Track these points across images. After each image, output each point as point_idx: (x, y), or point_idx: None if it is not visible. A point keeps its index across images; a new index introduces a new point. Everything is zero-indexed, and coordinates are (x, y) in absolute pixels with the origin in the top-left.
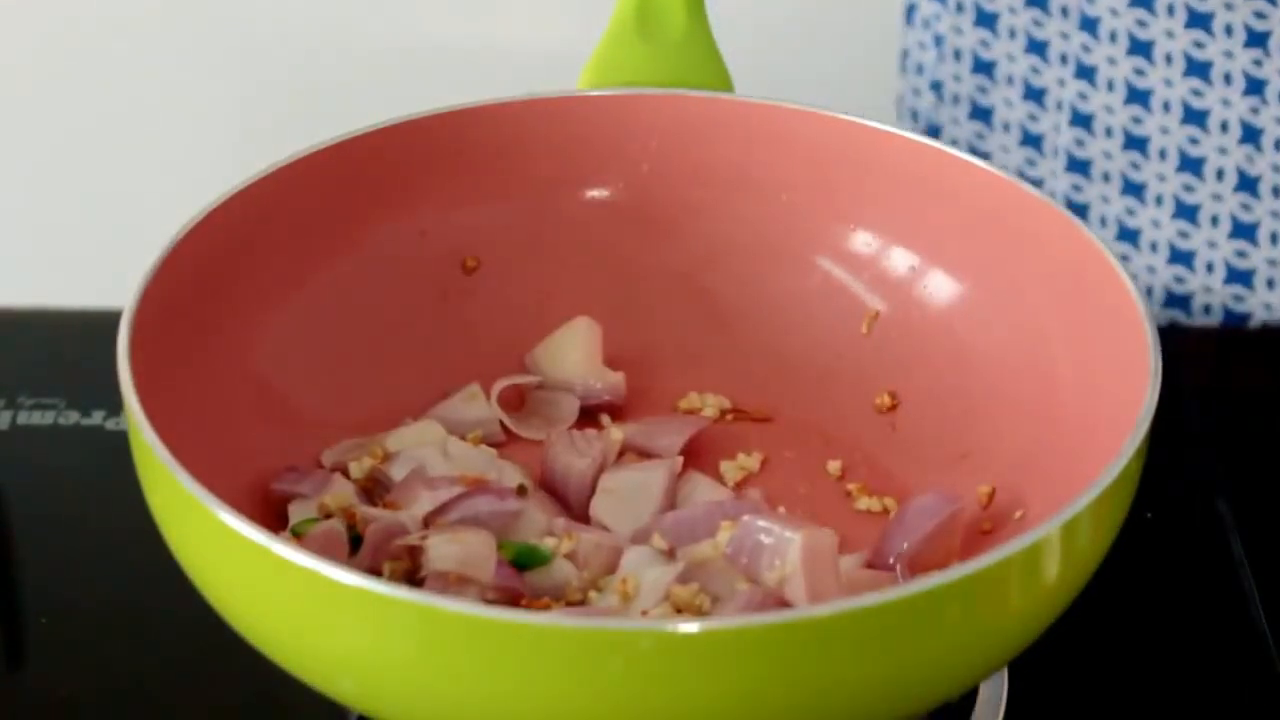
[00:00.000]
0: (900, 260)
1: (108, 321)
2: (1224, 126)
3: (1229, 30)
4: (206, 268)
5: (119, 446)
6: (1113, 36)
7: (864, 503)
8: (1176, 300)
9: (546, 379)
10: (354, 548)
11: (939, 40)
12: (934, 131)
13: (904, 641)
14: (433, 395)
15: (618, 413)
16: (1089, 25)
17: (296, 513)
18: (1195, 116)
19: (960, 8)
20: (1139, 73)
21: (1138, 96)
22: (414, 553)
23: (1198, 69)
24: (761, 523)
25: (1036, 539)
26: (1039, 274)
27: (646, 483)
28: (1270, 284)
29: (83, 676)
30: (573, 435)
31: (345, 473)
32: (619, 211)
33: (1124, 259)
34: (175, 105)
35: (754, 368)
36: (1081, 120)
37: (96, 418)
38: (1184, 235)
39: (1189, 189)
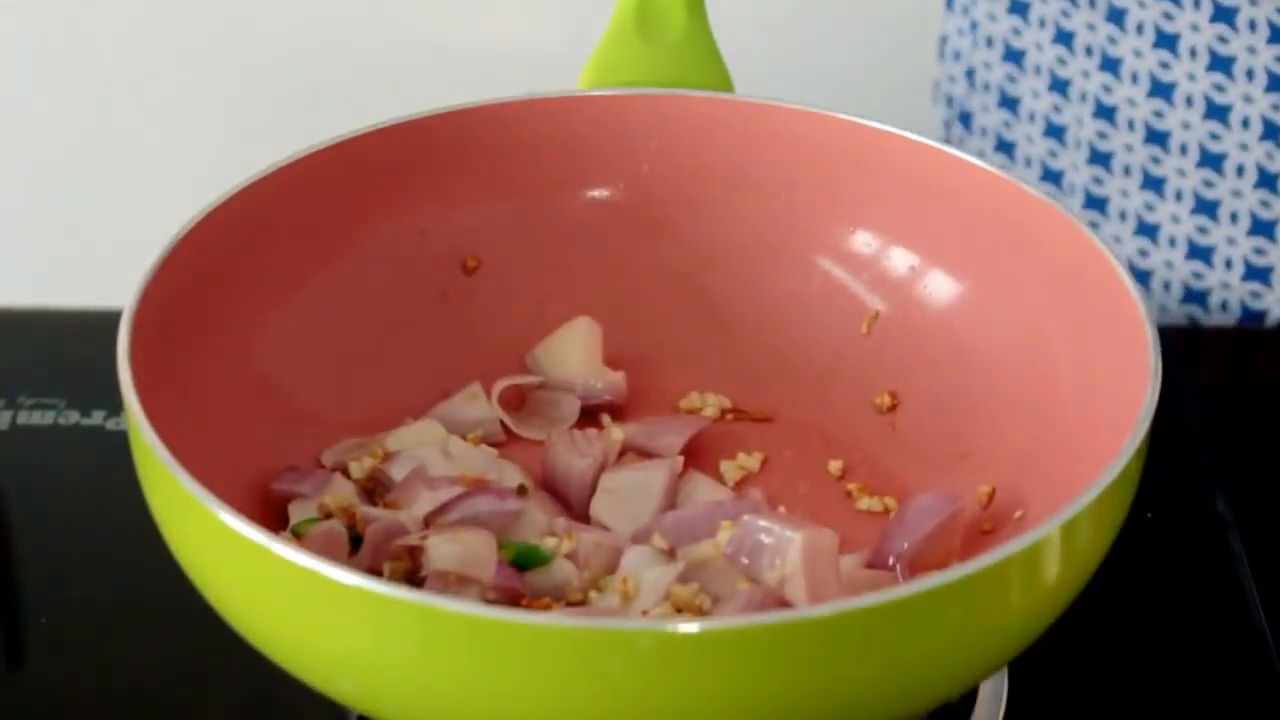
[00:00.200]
0: (900, 260)
1: (108, 321)
2: (1245, 122)
3: (1253, 26)
4: (206, 268)
5: (119, 446)
6: (1139, 28)
7: (864, 503)
8: (1194, 296)
9: (547, 379)
10: (354, 548)
11: (974, 26)
12: (965, 118)
13: (904, 641)
14: (433, 395)
15: (618, 412)
16: (1116, 16)
17: (297, 513)
18: (1217, 111)
19: None
20: (1164, 66)
21: (1161, 90)
22: (414, 553)
23: (1221, 64)
24: (762, 522)
25: (1036, 539)
26: (1039, 274)
27: (647, 482)
28: None
29: (83, 676)
30: (573, 435)
31: (346, 472)
32: (619, 211)
33: (1141, 254)
34: (175, 105)
35: (754, 368)
36: (1105, 112)
37: (96, 418)
38: (1203, 231)
39: (1209, 184)
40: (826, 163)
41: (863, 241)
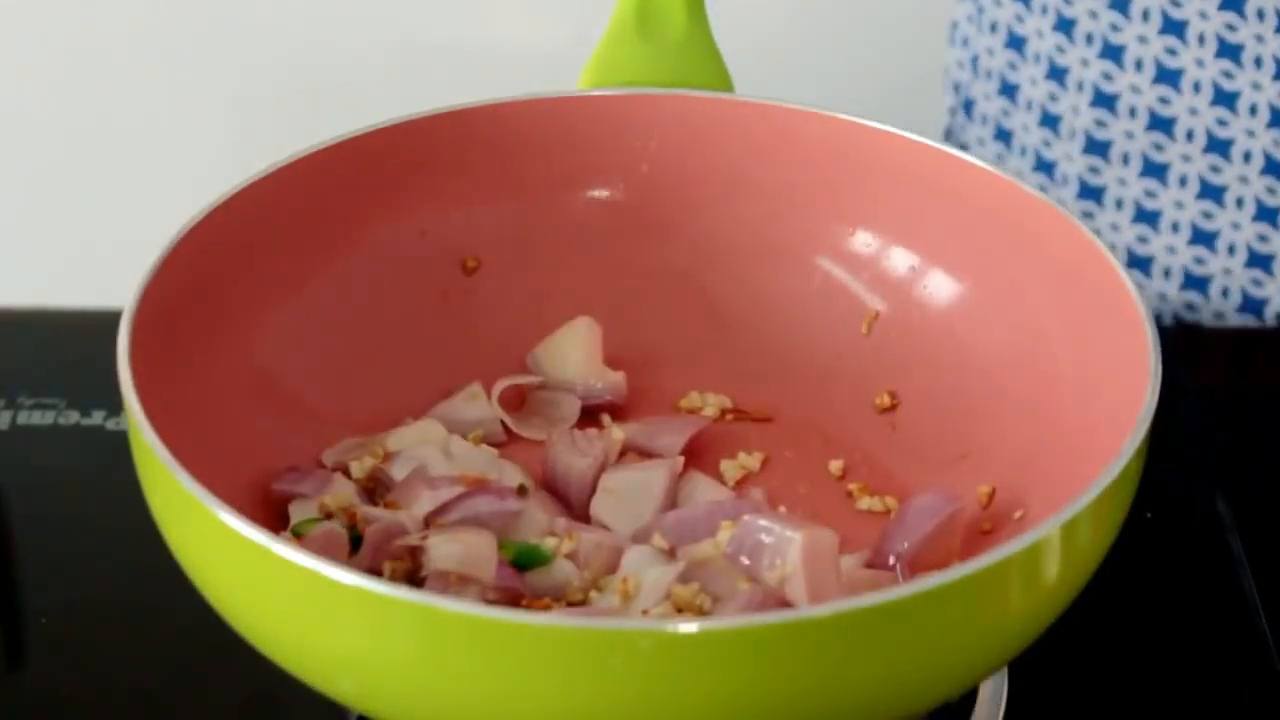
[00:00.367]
0: (900, 260)
1: (108, 321)
2: (1253, 109)
3: (1261, 14)
4: (206, 268)
5: (119, 446)
6: (1145, 15)
7: (865, 502)
8: (1195, 282)
9: (547, 379)
10: (355, 548)
11: (980, 11)
12: (969, 105)
13: (904, 641)
14: (433, 395)
15: (618, 412)
16: (1120, 4)
17: (297, 513)
18: (1225, 98)
19: None
20: (1170, 52)
21: (1167, 76)
22: (414, 553)
23: (1229, 51)
24: (762, 522)
25: (1036, 539)
26: (1039, 274)
27: (647, 482)
28: None
29: (83, 676)
30: (574, 435)
31: (346, 472)
32: (619, 211)
33: (1141, 240)
34: (175, 105)
35: (754, 368)
36: (1104, 100)
37: (96, 418)
38: (1208, 216)
39: (1215, 170)
40: (826, 163)
41: (863, 241)
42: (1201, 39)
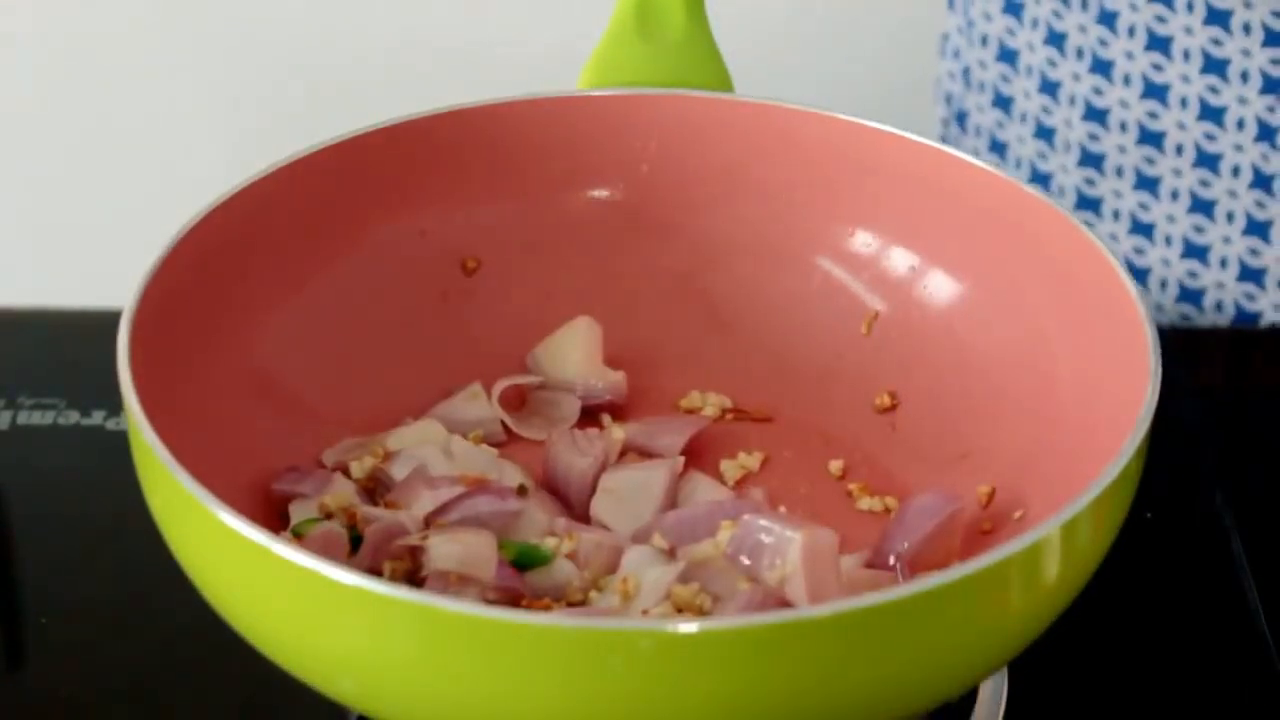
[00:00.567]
0: (900, 260)
1: (108, 321)
2: (1240, 124)
3: (1247, 28)
4: (206, 268)
5: (119, 446)
6: (1131, 31)
7: (865, 502)
8: (1189, 295)
9: (547, 379)
10: (355, 548)
11: (970, 24)
12: (961, 117)
13: (904, 641)
14: (434, 395)
15: (619, 412)
16: (1108, 19)
17: (297, 513)
18: (1212, 113)
19: None
20: (1156, 68)
21: (1154, 91)
22: (414, 553)
23: (1215, 66)
24: (762, 522)
25: (1036, 539)
26: (1039, 274)
27: (647, 482)
28: None
29: (83, 676)
30: (574, 434)
31: (346, 472)
32: (619, 211)
33: (1138, 251)
34: (175, 105)
35: (754, 368)
36: (1095, 115)
37: (96, 418)
38: (1199, 230)
39: (1205, 184)
40: (826, 163)
41: (863, 241)
42: (1187, 54)
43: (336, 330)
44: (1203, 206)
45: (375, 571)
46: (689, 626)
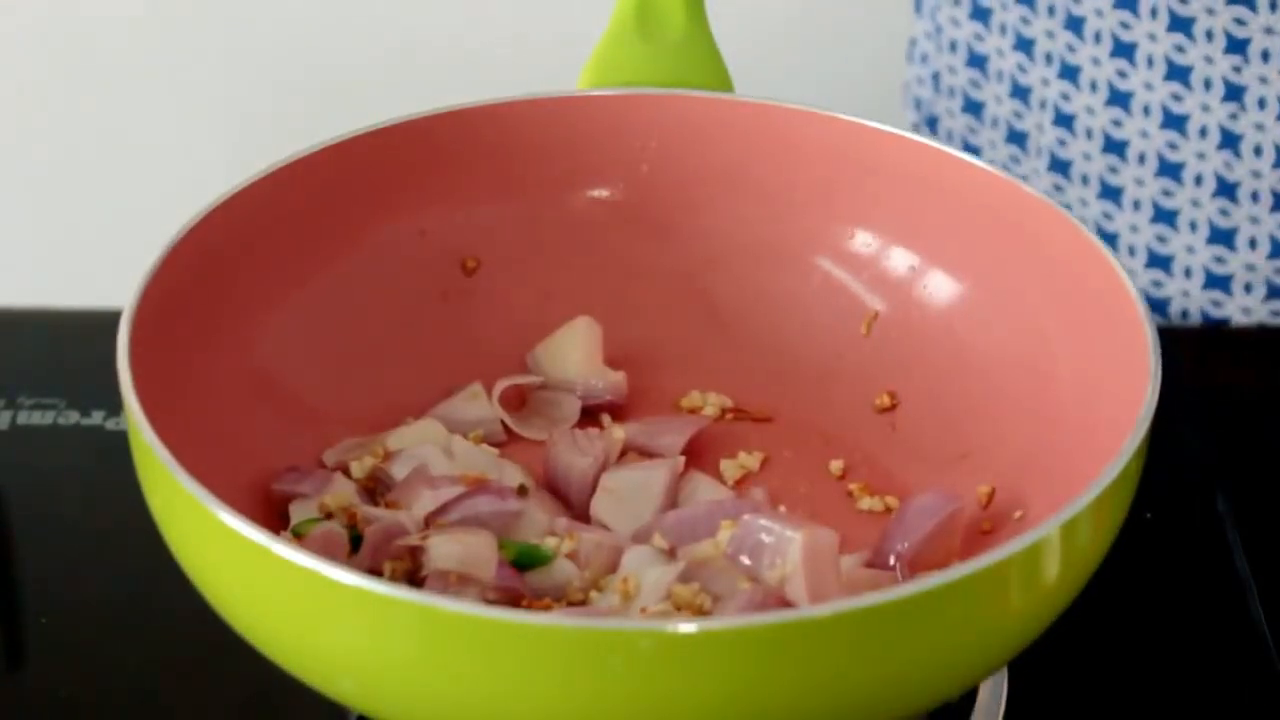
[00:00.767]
0: (900, 260)
1: (108, 321)
2: (1203, 132)
3: (1209, 35)
4: (206, 268)
5: (119, 446)
6: (1097, 37)
7: (866, 502)
8: (1154, 304)
9: (548, 379)
10: (355, 548)
11: (939, 30)
12: (932, 122)
13: (904, 641)
14: (434, 395)
15: (619, 412)
16: (1074, 25)
17: (298, 512)
18: (1175, 121)
19: (957, 0)
20: (1121, 75)
21: (1119, 99)
22: (415, 553)
23: (1178, 73)
24: (762, 521)
25: (1036, 539)
26: (1039, 274)
27: (648, 482)
28: (1248, 288)
29: (83, 676)
30: (575, 434)
31: (346, 472)
32: (619, 211)
33: None
34: (175, 105)
35: (754, 368)
36: (1064, 121)
37: (96, 418)
38: (1162, 240)
39: (1168, 194)
40: (826, 163)
41: (863, 241)
42: (1150, 61)
43: (336, 330)
44: (1166, 216)
45: (375, 571)
46: (689, 626)
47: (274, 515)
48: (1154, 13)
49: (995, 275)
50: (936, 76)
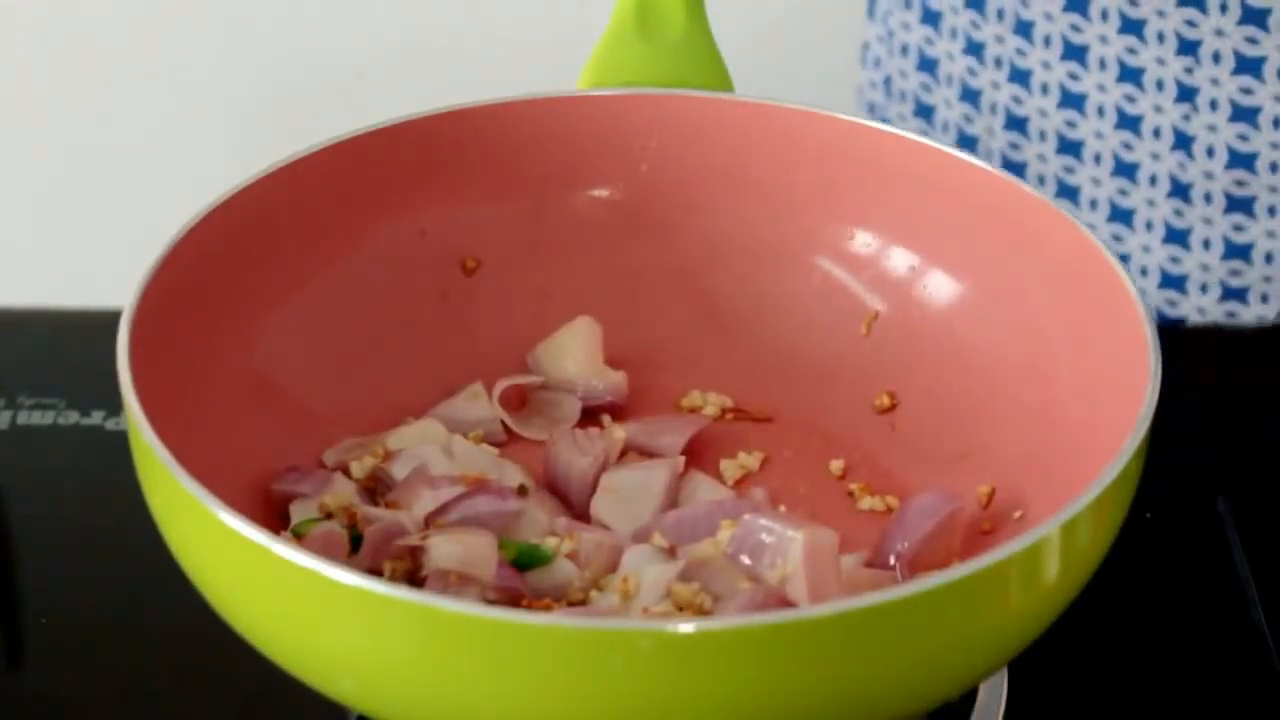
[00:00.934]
0: (900, 260)
1: (108, 321)
2: (1156, 133)
3: (1161, 37)
4: (206, 268)
5: (119, 446)
6: (1047, 41)
7: (867, 502)
8: None
9: (548, 379)
10: (355, 548)
11: (890, 34)
12: None
13: (904, 641)
14: (434, 395)
15: (619, 412)
16: (1024, 29)
17: (298, 513)
18: (1129, 122)
19: (908, 3)
20: (1073, 77)
21: (1072, 101)
22: (415, 553)
23: (1131, 75)
24: (763, 521)
25: (1036, 539)
26: (1039, 274)
27: (648, 482)
28: (1203, 289)
29: (83, 676)
30: (575, 434)
31: (347, 472)
32: (619, 211)
33: None
34: (175, 105)
35: (754, 368)
36: (1016, 124)
37: (96, 418)
38: (1119, 239)
39: (1123, 193)
40: (826, 163)
41: (863, 241)
42: (1103, 63)
43: (337, 330)
44: (1122, 216)
45: (375, 571)
46: (688, 626)
47: (274, 515)
48: (1105, 16)
49: (995, 275)
50: (888, 80)
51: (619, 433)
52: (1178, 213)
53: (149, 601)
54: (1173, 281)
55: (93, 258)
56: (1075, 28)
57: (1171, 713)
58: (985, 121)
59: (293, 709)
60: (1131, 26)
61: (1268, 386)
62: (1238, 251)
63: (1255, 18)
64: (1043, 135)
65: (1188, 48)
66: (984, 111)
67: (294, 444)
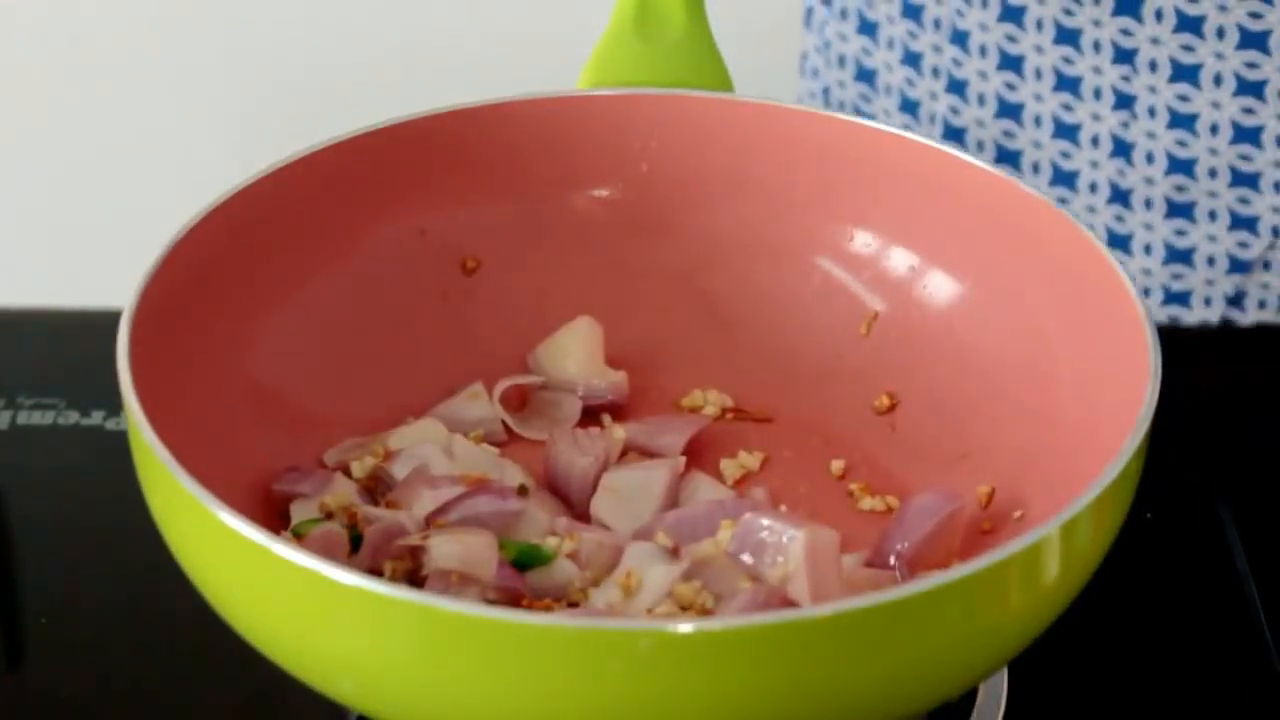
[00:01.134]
0: (900, 260)
1: (108, 321)
2: (1095, 140)
3: (1097, 46)
4: (206, 268)
5: (119, 446)
6: (983, 51)
7: (867, 502)
8: None
9: (549, 379)
10: (356, 548)
11: (827, 45)
12: None
13: (904, 641)
14: (434, 395)
15: (619, 412)
16: (960, 39)
17: (298, 513)
18: (1066, 130)
19: (844, 14)
20: (1010, 87)
21: (1009, 111)
22: (415, 553)
23: (1068, 83)
24: (764, 520)
25: (1036, 539)
26: (1039, 274)
27: (648, 482)
28: (1146, 293)
29: (83, 676)
30: (575, 434)
31: (347, 472)
32: (619, 211)
33: None
34: (175, 105)
35: (754, 368)
36: (954, 134)
37: (96, 418)
38: None
39: (1063, 201)
40: (826, 163)
41: (863, 241)
42: (1039, 73)
43: (337, 330)
44: None
45: (376, 571)
46: (688, 626)
47: (274, 515)
48: (1040, 26)
49: (995, 275)
50: (827, 91)
51: (619, 432)
52: (1119, 218)
53: (149, 601)
54: None
55: (93, 258)
56: (1011, 38)
57: (1171, 713)
58: (925, 131)
59: (293, 709)
60: (1067, 36)
61: (1268, 386)
62: (1179, 256)
63: (1191, 25)
64: (980, 145)
65: (1124, 56)
66: (923, 121)
67: (294, 444)
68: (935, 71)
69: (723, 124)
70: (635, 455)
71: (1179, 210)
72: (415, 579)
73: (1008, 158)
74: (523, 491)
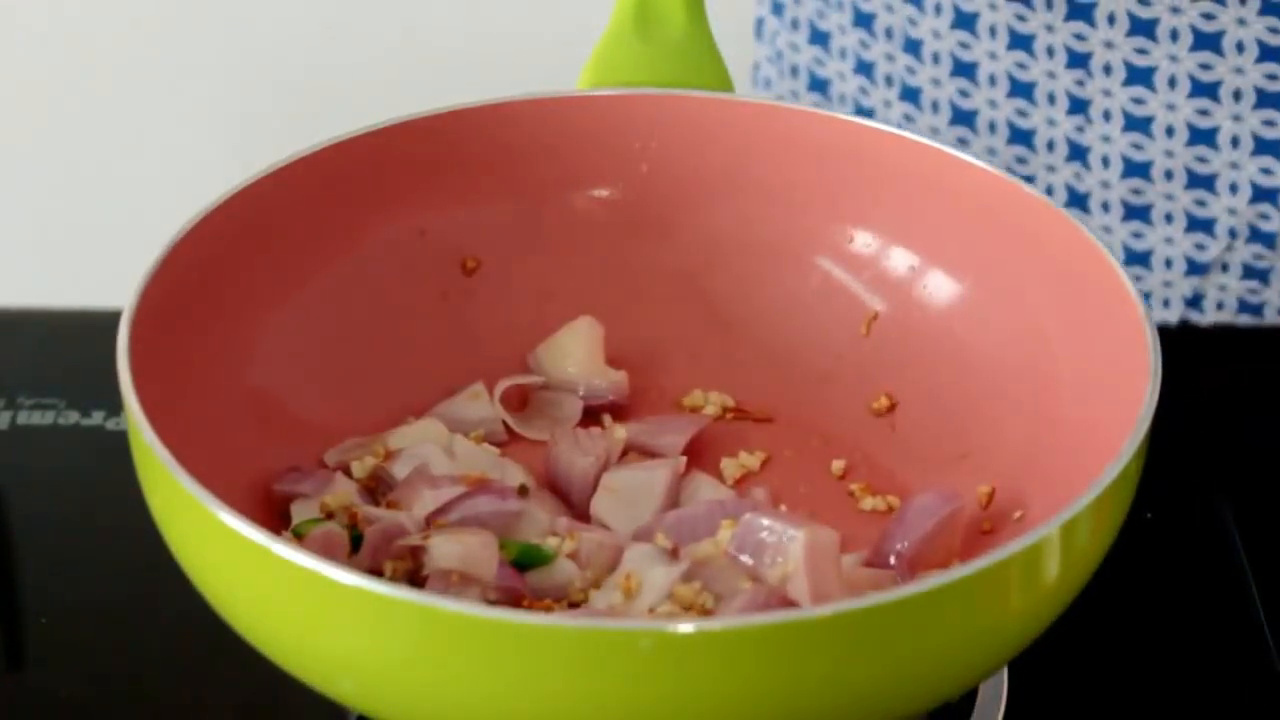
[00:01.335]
0: (900, 260)
1: (108, 321)
2: (1050, 145)
3: (1050, 51)
4: (206, 268)
5: (119, 446)
6: (936, 58)
7: (867, 502)
8: None
9: (549, 379)
10: (356, 548)
11: (780, 55)
12: None
13: (904, 641)
14: (435, 395)
15: (620, 412)
16: (913, 47)
17: (298, 513)
18: (1022, 135)
19: (796, 24)
20: (963, 94)
21: (963, 118)
22: (416, 553)
23: (1022, 89)
24: (764, 520)
25: (1036, 539)
26: (1039, 274)
27: (649, 482)
28: None
29: (83, 676)
30: (576, 434)
31: (348, 472)
32: (619, 211)
33: None
34: (176, 105)
35: (754, 368)
36: None
37: (96, 418)
38: None
39: None
40: (826, 163)
41: (863, 241)
42: (993, 79)
43: (337, 330)
44: None
45: (376, 571)
46: (688, 626)
47: (274, 515)
48: (993, 32)
49: (995, 275)
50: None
51: (620, 432)
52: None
53: (149, 601)
54: None
55: (93, 258)
56: (964, 45)
57: (1171, 713)
58: None
59: (293, 709)
60: (1020, 41)
61: (1268, 386)
62: (1137, 259)
63: (1144, 28)
64: None
65: (1078, 60)
66: None
67: (294, 444)
68: (889, 80)
69: (723, 124)
70: (636, 455)
71: (1136, 213)
72: (416, 579)
73: None
74: (523, 491)
